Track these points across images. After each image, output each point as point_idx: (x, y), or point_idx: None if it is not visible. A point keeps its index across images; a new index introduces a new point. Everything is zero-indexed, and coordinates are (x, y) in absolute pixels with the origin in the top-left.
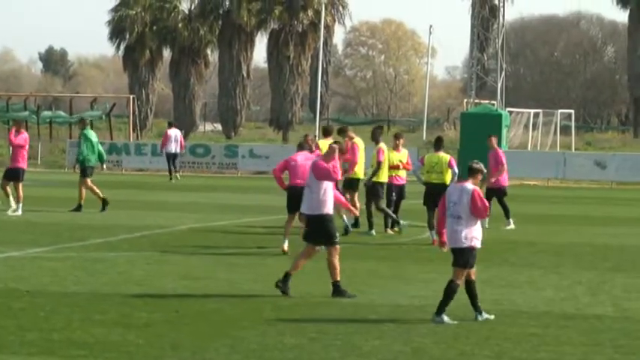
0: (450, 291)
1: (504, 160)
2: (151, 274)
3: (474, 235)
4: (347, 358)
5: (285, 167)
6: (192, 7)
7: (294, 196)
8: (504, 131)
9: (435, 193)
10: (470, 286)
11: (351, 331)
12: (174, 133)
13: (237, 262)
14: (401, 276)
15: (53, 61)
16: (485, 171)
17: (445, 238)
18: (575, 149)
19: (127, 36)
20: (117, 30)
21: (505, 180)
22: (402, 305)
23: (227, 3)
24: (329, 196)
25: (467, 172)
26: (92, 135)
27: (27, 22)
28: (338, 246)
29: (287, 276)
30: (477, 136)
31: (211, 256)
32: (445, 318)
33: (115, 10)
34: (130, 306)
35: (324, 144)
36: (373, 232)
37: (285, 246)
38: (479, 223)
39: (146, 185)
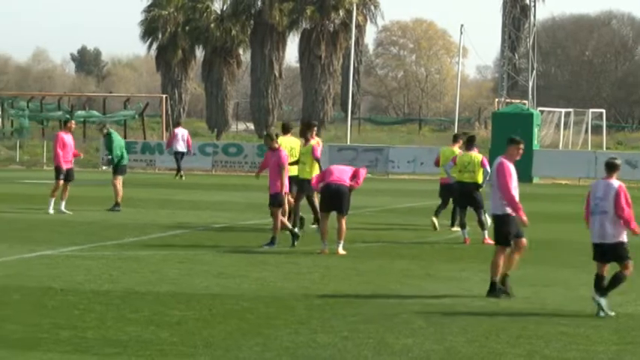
0: (616, 280)
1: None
2: (183, 272)
3: (620, 230)
4: (379, 356)
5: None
6: (225, 7)
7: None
8: (535, 130)
9: (466, 193)
10: (614, 275)
11: (383, 329)
12: (181, 132)
13: (268, 261)
14: (432, 275)
15: (86, 61)
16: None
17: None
18: (607, 148)
19: (160, 36)
20: (150, 30)
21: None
22: (434, 304)
23: (259, 3)
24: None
25: (607, 168)
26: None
27: (60, 22)
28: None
29: (504, 277)
30: (509, 135)
31: (243, 254)
32: (603, 302)
33: (148, 10)
34: (163, 304)
35: (284, 141)
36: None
37: (326, 248)
38: None
39: (179, 184)
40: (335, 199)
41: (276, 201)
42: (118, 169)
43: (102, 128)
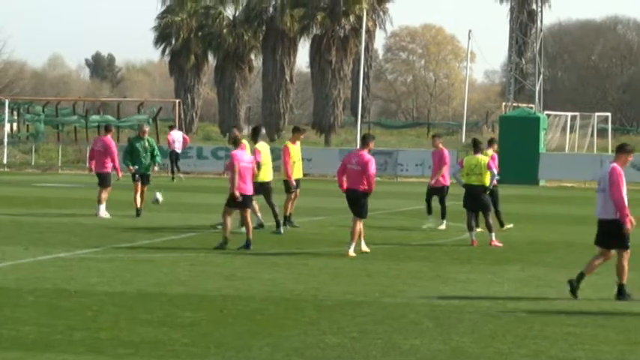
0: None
1: (448, 161)
2: (195, 274)
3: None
4: (387, 357)
5: (344, 170)
6: (237, 14)
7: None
8: (542, 134)
9: (474, 195)
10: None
11: (391, 330)
12: (176, 135)
13: (279, 263)
14: (440, 276)
15: (101, 66)
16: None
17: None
18: (612, 152)
19: (173, 41)
20: (163, 36)
21: (447, 179)
22: (441, 305)
23: (271, 9)
24: None
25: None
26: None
27: (76, 28)
28: (629, 250)
29: (581, 276)
30: (516, 138)
31: (254, 256)
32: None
33: (161, 16)
34: (175, 306)
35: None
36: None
37: (352, 251)
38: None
39: (191, 188)
40: (352, 204)
41: (247, 203)
42: (148, 177)
43: (144, 131)
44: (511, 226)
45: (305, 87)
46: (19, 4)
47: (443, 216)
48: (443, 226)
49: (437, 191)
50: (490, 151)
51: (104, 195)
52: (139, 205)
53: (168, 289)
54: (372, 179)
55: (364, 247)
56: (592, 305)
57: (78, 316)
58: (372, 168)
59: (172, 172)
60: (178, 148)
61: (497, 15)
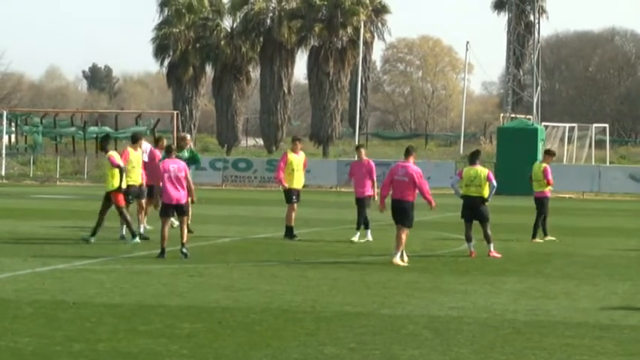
0: None
1: (374, 170)
2: (194, 285)
3: None
4: None
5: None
6: (235, 25)
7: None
8: (540, 145)
9: (473, 207)
10: None
11: (390, 341)
12: (145, 146)
13: (278, 274)
14: (439, 287)
15: (98, 78)
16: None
17: None
18: (610, 163)
19: (171, 53)
20: (161, 47)
21: (369, 190)
22: (440, 316)
23: (268, 21)
24: None
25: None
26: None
27: (73, 40)
28: None
29: None
30: (514, 149)
31: (253, 267)
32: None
33: (159, 28)
34: (174, 317)
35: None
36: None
37: (398, 259)
38: None
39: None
40: (399, 214)
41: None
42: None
43: (186, 141)
44: (553, 238)
45: (303, 98)
46: (17, 17)
47: (366, 226)
48: (369, 237)
49: (361, 201)
50: (543, 164)
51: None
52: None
53: (167, 300)
54: (426, 187)
55: (401, 260)
56: (590, 316)
57: (76, 328)
58: (423, 178)
59: None
60: (145, 158)
61: (495, 27)
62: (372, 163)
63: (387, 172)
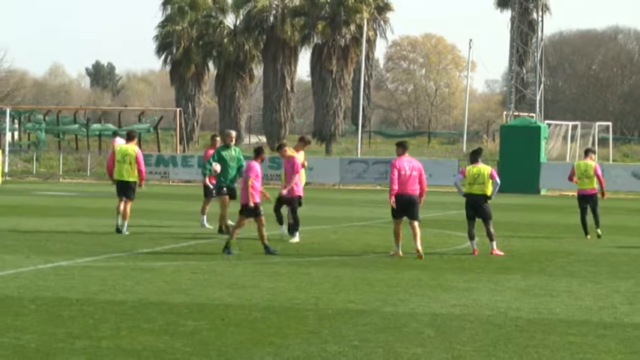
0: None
1: (299, 169)
2: (197, 283)
3: None
4: None
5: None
6: (238, 23)
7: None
8: (543, 143)
9: (476, 205)
10: None
11: (393, 339)
12: (120, 142)
13: (280, 272)
14: (441, 285)
15: (101, 75)
16: None
17: None
18: (613, 161)
19: (174, 51)
20: (164, 45)
21: (300, 190)
22: (443, 313)
23: (271, 18)
24: None
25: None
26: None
27: (76, 37)
28: None
29: None
30: (517, 147)
31: (256, 265)
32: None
33: (162, 25)
34: (176, 314)
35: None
36: None
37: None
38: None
39: (192, 196)
40: (410, 208)
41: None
42: (234, 191)
43: (231, 138)
44: (599, 232)
45: (306, 96)
46: (20, 14)
47: (295, 228)
48: (296, 239)
49: (288, 201)
50: (589, 161)
51: (207, 207)
52: (227, 223)
53: (170, 297)
54: (425, 182)
55: (419, 247)
56: (593, 314)
57: (79, 325)
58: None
59: None
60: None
61: (498, 24)
62: (297, 160)
63: (392, 169)
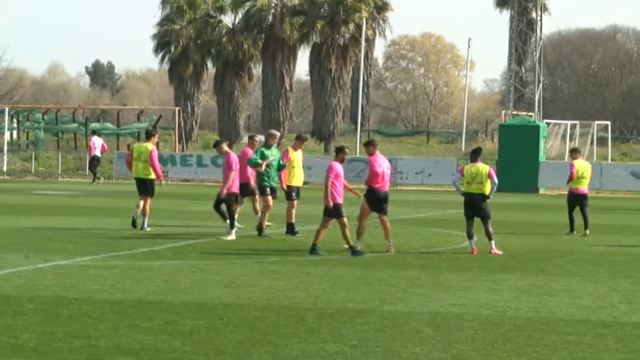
0: None
1: (234, 166)
2: (195, 282)
3: None
4: None
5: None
6: (236, 22)
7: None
8: (542, 142)
9: (474, 204)
10: None
11: (391, 338)
12: (97, 141)
13: (279, 271)
14: (440, 284)
15: (100, 74)
16: None
17: None
18: (612, 160)
19: (173, 50)
20: (162, 44)
21: (237, 186)
22: (441, 313)
23: (270, 17)
24: None
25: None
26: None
27: (75, 36)
28: None
29: None
30: (516, 146)
31: (255, 264)
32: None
33: (161, 24)
34: (175, 313)
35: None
36: None
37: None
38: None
39: (191, 195)
40: (383, 203)
41: None
42: (275, 191)
43: (274, 138)
44: (587, 232)
45: (305, 95)
46: (19, 13)
47: (231, 226)
48: (232, 237)
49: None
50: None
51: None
52: (265, 223)
53: (169, 296)
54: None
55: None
56: (591, 314)
57: (78, 324)
58: None
59: (94, 175)
60: (98, 153)
61: (497, 23)
62: (233, 157)
63: (370, 165)
